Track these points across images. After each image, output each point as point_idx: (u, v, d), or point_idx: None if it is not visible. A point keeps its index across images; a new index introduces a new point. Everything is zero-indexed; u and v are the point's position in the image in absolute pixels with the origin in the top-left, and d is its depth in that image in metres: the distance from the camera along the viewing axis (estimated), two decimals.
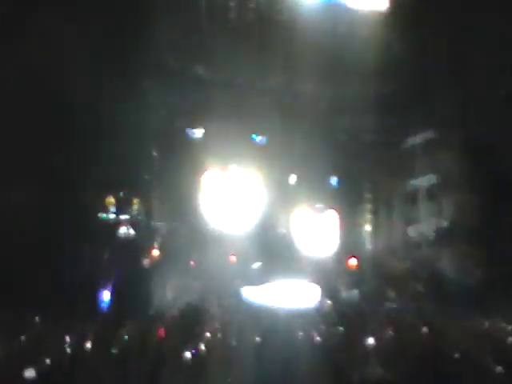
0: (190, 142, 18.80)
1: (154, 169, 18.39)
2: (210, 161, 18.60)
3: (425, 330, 11.57)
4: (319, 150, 19.34)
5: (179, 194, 18.62)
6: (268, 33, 17.08)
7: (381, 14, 17.22)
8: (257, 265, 18.43)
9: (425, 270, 17.32)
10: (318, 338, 11.93)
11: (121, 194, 17.22)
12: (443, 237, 17.48)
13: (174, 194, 18.64)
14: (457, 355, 9.65)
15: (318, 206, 20.30)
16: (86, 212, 15.66)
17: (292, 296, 16.82)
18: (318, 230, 20.88)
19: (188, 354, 9.90)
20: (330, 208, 21.01)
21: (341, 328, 12.72)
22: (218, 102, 17.43)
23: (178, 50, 17.17)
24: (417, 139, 19.23)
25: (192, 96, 17.78)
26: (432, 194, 18.39)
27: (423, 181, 18.99)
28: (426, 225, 18.47)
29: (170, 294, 17.31)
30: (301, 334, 12.03)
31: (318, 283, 17.81)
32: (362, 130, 20.34)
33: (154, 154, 18.45)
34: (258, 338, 11.23)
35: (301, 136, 19.32)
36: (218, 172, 18.83)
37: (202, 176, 18.70)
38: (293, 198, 20.10)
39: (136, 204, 17.71)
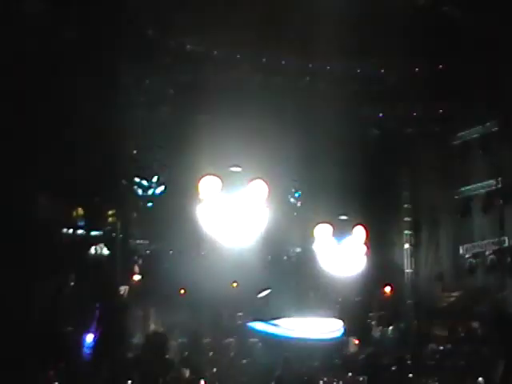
0: (180, 137, 18.28)
1: (134, 172, 17.99)
2: (206, 162, 18.13)
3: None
4: (342, 148, 18.89)
5: (167, 204, 18.22)
6: None
7: None
8: (264, 293, 17.88)
9: (482, 301, 16.64)
10: None
11: (91, 203, 16.69)
12: (506, 259, 16.83)
13: (159, 204, 18.23)
14: None
15: (342, 218, 19.81)
16: (46, 228, 15.06)
17: (309, 335, 16.21)
18: (342, 249, 20.32)
19: None
20: (357, 222, 20.52)
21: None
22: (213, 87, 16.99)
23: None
24: (472, 133, 18.61)
25: (181, 78, 17.29)
26: (491, 203, 17.72)
27: (479, 187, 18.38)
28: (482, 244, 17.82)
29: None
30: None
31: (342, 318, 17.25)
32: (398, 121, 19.79)
33: (134, 152, 18.00)
34: None
35: (317, 129, 18.86)
36: (215, 177, 18.31)
37: (197, 182, 18.21)
38: (309, 209, 19.59)
39: (111, 217, 17.23)
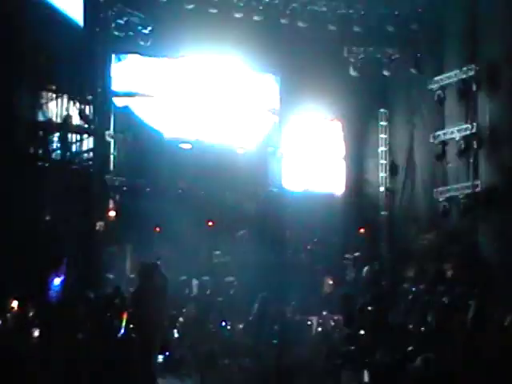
0: None
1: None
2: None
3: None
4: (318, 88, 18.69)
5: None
6: None
7: None
8: (241, 232, 17.72)
9: (455, 243, 16.65)
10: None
11: None
12: (479, 202, 16.78)
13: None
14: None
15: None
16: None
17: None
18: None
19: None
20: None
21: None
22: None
23: None
24: (449, 77, 18.32)
25: None
26: (466, 148, 17.56)
27: (455, 131, 18.19)
28: (456, 187, 17.74)
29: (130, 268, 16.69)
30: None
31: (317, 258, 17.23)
32: (376, 64, 19.52)
33: None
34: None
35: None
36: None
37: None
38: None
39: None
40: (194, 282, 16.08)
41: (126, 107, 17.95)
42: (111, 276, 15.44)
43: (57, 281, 11.98)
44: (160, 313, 10.22)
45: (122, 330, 9.92)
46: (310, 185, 20.36)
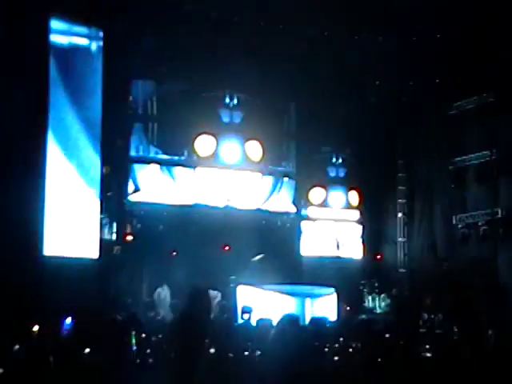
0: None
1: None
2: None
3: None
4: (333, 113, 18.56)
5: None
6: None
7: None
8: (258, 257, 17.52)
9: (475, 271, 16.39)
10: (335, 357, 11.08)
11: None
12: (498, 230, 16.55)
13: None
14: None
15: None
16: None
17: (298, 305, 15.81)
18: (333, 213, 20.15)
19: None
20: (352, 187, 20.32)
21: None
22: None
23: None
24: (468, 103, 18.20)
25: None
26: (485, 174, 17.39)
27: (474, 158, 18.03)
28: (475, 214, 17.52)
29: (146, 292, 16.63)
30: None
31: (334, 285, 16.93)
32: (393, 89, 19.38)
33: None
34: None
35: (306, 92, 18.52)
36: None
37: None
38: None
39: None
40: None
41: None
42: (129, 300, 15.35)
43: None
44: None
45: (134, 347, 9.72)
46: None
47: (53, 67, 14.16)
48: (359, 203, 20.35)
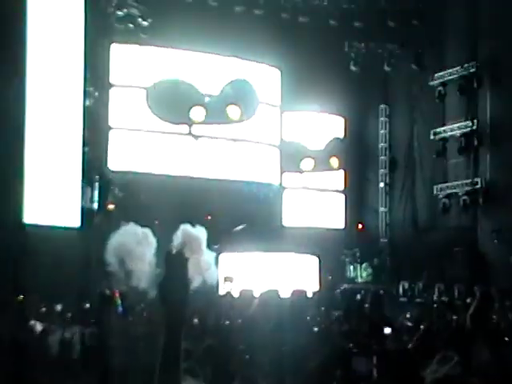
0: None
1: None
2: None
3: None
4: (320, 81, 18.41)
5: None
6: None
7: None
8: (239, 227, 17.38)
9: (455, 241, 16.39)
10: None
11: None
12: (478, 200, 16.51)
13: None
14: None
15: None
16: None
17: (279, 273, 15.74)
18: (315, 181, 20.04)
19: None
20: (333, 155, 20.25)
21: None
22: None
23: None
24: (450, 73, 18.04)
25: None
26: (466, 144, 17.33)
27: (455, 128, 17.93)
28: (456, 184, 17.47)
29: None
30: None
31: (315, 255, 16.88)
32: (377, 59, 19.23)
33: None
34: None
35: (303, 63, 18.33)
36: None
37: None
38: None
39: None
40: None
41: None
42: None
43: None
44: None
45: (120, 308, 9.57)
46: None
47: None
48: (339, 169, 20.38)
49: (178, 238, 11.57)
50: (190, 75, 18.10)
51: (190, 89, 17.74)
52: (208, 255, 12.88)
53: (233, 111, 18.12)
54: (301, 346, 9.35)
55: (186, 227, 11.75)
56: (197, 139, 18.08)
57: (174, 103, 17.42)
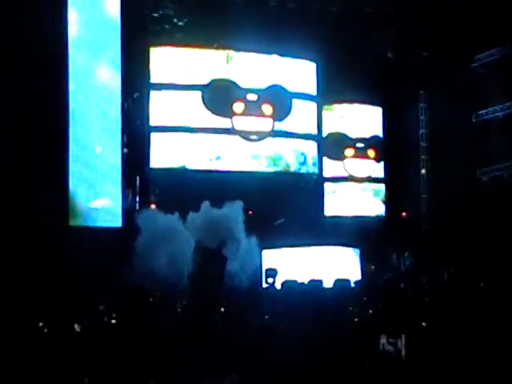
0: None
1: None
2: None
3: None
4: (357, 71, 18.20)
5: None
6: None
7: None
8: (279, 222, 17.37)
9: (502, 226, 15.99)
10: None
11: None
12: None
13: None
14: None
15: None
16: None
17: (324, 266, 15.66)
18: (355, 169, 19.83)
19: None
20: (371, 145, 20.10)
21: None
22: None
23: None
24: (490, 55, 17.63)
25: None
26: (510, 126, 16.92)
27: (497, 110, 17.54)
28: (500, 167, 17.09)
29: None
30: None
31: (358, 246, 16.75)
32: (414, 45, 18.87)
33: None
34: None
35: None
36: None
37: None
38: None
39: None
40: None
41: None
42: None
43: None
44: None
45: None
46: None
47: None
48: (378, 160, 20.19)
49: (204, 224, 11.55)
50: (229, 73, 18.17)
51: (233, 85, 17.92)
52: (244, 241, 12.83)
53: (267, 109, 18.15)
54: (340, 335, 9.31)
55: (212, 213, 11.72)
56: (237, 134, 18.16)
57: (221, 99, 17.74)
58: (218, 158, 18.03)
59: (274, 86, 18.46)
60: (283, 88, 18.60)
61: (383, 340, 7.51)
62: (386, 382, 7.05)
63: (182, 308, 9.75)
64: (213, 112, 17.73)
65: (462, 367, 7.16)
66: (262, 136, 18.37)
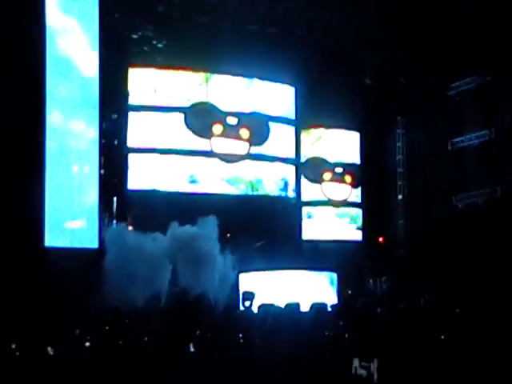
0: None
1: None
2: None
3: None
4: (335, 96, 18.35)
5: None
6: None
7: None
8: (259, 244, 17.30)
9: (478, 252, 16.09)
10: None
11: None
12: (498, 209, 16.26)
13: None
14: None
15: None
16: None
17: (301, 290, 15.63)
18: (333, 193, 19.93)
19: None
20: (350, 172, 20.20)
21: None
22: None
23: None
24: (467, 83, 17.87)
25: None
26: (485, 154, 17.11)
27: (473, 138, 17.74)
28: (475, 194, 17.24)
29: None
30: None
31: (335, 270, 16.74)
32: (392, 72, 19.09)
33: None
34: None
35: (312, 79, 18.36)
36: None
37: None
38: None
39: None
40: None
41: None
42: None
43: None
44: None
45: None
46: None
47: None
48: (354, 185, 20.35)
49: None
50: (208, 95, 18.23)
51: (214, 109, 18.07)
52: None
53: (244, 133, 18.26)
54: (315, 357, 9.24)
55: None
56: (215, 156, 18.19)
57: (203, 121, 17.96)
58: (195, 181, 18.03)
59: (254, 112, 18.56)
60: (262, 115, 18.70)
61: (356, 363, 7.48)
62: None
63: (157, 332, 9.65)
64: (194, 133, 17.82)
65: None
66: (237, 158, 18.40)
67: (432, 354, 8.60)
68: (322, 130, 20.49)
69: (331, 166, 20.34)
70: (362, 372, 7.55)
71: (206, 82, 18.37)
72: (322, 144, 20.47)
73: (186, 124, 17.77)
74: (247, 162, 18.64)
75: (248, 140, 18.39)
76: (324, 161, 20.34)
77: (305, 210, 20.08)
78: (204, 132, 17.97)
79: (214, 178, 18.24)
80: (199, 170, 18.15)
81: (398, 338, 9.84)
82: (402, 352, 8.67)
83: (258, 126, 18.54)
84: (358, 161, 20.81)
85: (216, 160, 18.27)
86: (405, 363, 7.95)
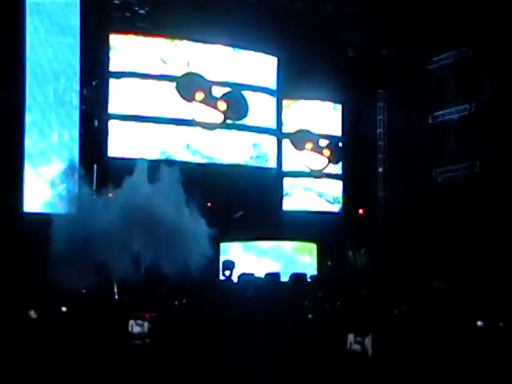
0: None
1: None
2: None
3: None
4: (318, 68, 18.21)
5: None
6: None
7: None
8: (239, 214, 17.26)
9: (455, 225, 16.23)
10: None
11: None
12: (477, 184, 16.37)
13: None
14: None
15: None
16: None
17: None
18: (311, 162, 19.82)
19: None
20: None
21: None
22: None
23: None
24: (447, 57, 17.85)
25: None
26: (465, 128, 17.17)
27: (453, 112, 17.77)
28: (455, 168, 17.32)
29: None
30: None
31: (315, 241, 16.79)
32: (374, 45, 18.99)
33: None
34: None
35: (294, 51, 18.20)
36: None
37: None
38: None
39: None
40: None
41: None
42: None
43: None
44: None
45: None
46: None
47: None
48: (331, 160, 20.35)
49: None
50: (190, 64, 18.00)
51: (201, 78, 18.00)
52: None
53: (221, 105, 18.11)
54: (295, 331, 9.25)
55: None
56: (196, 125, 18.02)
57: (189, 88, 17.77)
58: (175, 150, 17.87)
59: (236, 90, 18.37)
60: (242, 95, 18.52)
61: (350, 339, 7.49)
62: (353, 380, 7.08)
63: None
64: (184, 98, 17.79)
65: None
66: (214, 126, 18.25)
67: (413, 327, 8.70)
68: (304, 102, 20.37)
69: (315, 138, 20.29)
70: (357, 347, 7.59)
71: (188, 50, 18.10)
72: (304, 116, 20.37)
73: (178, 91, 17.64)
74: (227, 132, 18.45)
75: (223, 112, 18.23)
76: (308, 132, 20.23)
77: (286, 180, 20.00)
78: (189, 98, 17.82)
79: (196, 147, 18.06)
80: (180, 140, 17.95)
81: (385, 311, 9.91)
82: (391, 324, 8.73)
83: (235, 103, 18.36)
84: (339, 133, 20.75)
85: (198, 130, 18.09)
86: (396, 336, 8.01)
